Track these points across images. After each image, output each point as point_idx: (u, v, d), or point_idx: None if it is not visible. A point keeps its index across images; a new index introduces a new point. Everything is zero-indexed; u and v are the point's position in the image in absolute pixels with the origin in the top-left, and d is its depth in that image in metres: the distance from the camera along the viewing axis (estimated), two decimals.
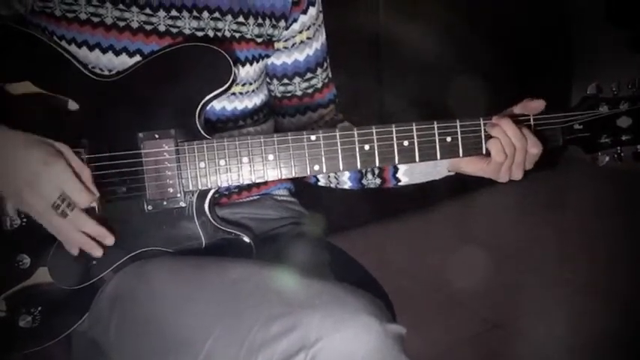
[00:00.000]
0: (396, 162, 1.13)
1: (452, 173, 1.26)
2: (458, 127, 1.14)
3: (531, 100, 1.17)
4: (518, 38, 3.21)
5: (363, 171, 1.29)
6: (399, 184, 1.30)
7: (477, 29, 2.92)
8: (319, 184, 1.37)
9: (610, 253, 2.71)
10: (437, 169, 1.26)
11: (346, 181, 1.32)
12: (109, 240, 1.10)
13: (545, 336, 2.25)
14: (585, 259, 2.72)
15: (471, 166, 1.20)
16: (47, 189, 1.04)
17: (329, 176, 1.34)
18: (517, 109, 1.18)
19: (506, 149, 1.14)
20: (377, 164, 1.13)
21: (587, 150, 1.18)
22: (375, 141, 1.12)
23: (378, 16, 2.87)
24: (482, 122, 1.15)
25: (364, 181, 1.31)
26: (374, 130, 1.12)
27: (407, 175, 1.28)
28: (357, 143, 1.12)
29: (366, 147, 1.12)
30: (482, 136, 1.15)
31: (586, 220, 3.07)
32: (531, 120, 1.16)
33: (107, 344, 1.14)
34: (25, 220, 1.12)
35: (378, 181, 1.30)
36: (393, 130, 1.12)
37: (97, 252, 1.10)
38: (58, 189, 1.04)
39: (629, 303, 2.41)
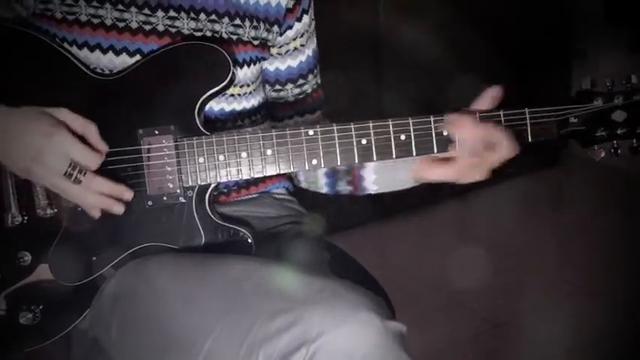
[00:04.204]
0: (394, 156, 1.13)
1: (417, 183, 1.22)
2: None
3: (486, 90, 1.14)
4: (518, 39, 3.20)
5: (337, 177, 1.30)
6: (369, 192, 1.29)
7: (477, 29, 2.92)
8: (301, 185, 1.38)
9: (610, 252, 2.71)
10: (400, 180, 1.24)
11: (323, 186, 1.33)
12: (128, 195, 1.11)
13: (545, 336, 2.25)
14: (585, 258, 2.72)
15: (435, 173, 1.14)
16: (55, 160, 1.05)
17: (308, 180, 1.35)
18: (480, 105, 1.14)
19: (473, 151, 1.10)
20: (374, 159, 1.13)
21: (584, 144, 1.18)
22: (372, 135, 1.13)
23: (378, 16, 2.87)
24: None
25: (338, 187, 1.32)
26: (370, 124, 1.13)
27: (377, 183, 1.27)
28: (354, 137, 1.12)
29: (363, 141, 1.13)
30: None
31: (586, 219, 3.06)
32: (501, 116, 1.13)
33: (108, 343, 1.15)
34: (26, 217, 1.13)
35: (349, 188, 1.30)
36: (390, 124, 1.13)
37: (119, 209, 1.10)
38: (66, 158, 1.05)
39: (629, 303, 2.40)
